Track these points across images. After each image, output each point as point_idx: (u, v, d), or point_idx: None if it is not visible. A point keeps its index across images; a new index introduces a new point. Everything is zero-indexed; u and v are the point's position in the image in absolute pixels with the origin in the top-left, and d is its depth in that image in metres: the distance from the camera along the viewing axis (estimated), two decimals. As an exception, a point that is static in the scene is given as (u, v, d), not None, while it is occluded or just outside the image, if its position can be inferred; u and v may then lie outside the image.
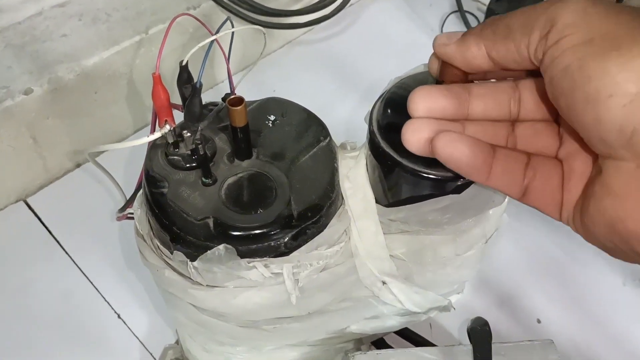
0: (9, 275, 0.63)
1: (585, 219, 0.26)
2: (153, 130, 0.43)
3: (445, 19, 0.91)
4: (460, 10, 0.84)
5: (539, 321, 0.61)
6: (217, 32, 0.35)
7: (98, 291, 0.62)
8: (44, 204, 0.69)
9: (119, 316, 0.60)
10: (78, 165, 0.72)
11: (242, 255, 0.36)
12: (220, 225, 0.36)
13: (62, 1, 0.72)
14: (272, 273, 0.37)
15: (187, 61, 0.35)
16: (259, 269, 0.36)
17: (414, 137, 0.29)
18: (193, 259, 0.37)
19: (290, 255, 0.37)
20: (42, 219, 0.68)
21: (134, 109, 0.74)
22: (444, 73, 0.33)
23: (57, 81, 0.64)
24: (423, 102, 0.29)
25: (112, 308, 0.61)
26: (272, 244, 0.36)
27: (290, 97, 0.86)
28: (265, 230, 0.36)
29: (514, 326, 0.61)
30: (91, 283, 0.63)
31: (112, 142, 0.74)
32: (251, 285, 0.37)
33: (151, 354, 0.58)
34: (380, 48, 0.88)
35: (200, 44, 0.35)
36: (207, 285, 0.38)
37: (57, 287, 0.62)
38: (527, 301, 0.62)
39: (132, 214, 0.47)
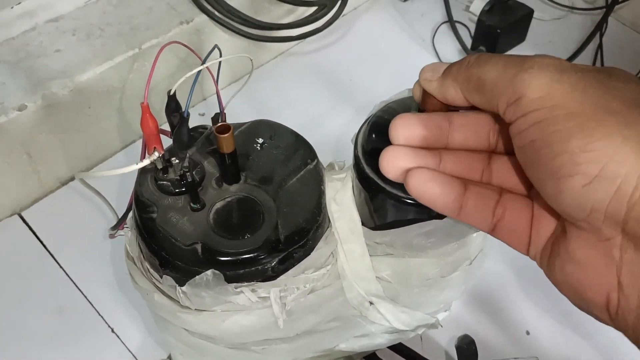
0: (3, 289, 0.63)
1: (551, 274, 0.27)
2: (143, 157, 0.44)
3: (437, 30, 0.92)
4: (451, 21, 0.84)
5: (528, 333, 0.62)
6: (204, 61, 0.36)
7: (92, 305, 0.62)
8: (38, 218, 0.69)
9: (112, 330, 0.61)
10: (72, 179, 0.72)
11: (230, 280, 0.37)
12: (208, 250, 0.37)
13: (55, 16, 0.73)
14: (259, 297, 0.37)
15: (175, 90, 0.35)
16: (246, 294, 0.37)
17: (390, 165, 0.29)
18: (182, 284, 0.37)
19: (278, 279, 0.38)
20: (37, 233, 0.68)
21: (126, 124, 0.74)
22: (425, 102, 0.33)
23: (51, 97, 0.65)
24: (403, 130, 0.30)
25: (106, 322, 0.61)
26: (260, 268, 0.37)
27: (282, 109, 0.86)
28: (252, 255, 0.37)
29: (503, 338, 0.61)
30: (85, 297, 0.63)
31: (105, 157, 0.75)
32: (239, 309, 0.38)
33: (144, 369, 0.58)
34: (372, 59, 0.89)
35: (188, 74, 0.35)
36: (195, 309, 0.38)
37: (51, 301, 0.63)
38: (516, 314, 0.63)
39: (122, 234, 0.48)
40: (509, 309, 0.63)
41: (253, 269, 0.37)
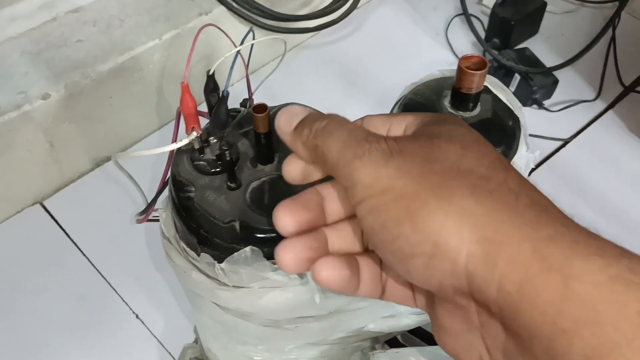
0: (28, 277, 0.64)
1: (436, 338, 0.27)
2: (176, 137, 0.44)
3: (450, 22, 0.93)
4: (465, 14, 0.85)
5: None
6: (242, 43, 0.36)
7: (116, 292, 0.63)
8: (60, 206, 0.70)
9: (137, 316, 0.62)
10: (93, 169, 0.73)
11: (267, 257, 0.38)
12: (246, 228, 0.37)
13: (75, 7, 0.73)
14: (296, 274, 0.38)
15: (214, 71, 0.36)
16: (284, 269, 0.37)
17: (293, 261, 0.28)
18: (219, 261, 0.38)
19: (313, 256, 0.38)
20: (59, 221, 0.69)
21: (146, 114, 0.75)
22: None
23: (74, 86, 0.65)
24: (291, 219, 0.28)
25: (131, 308, 0.62)
26: (297, 245, 0.38)
27: (297, 100, 0.87)
28: (290, 232, 0.37)
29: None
30: (109, 284, 0.64)
31: (125, 146, 0.75)
32: (275, 286, 0.39)
33: (170, 354, 0.59)
34: (385, 51, 0.90)
35: (226, 55, 0.36)
36: (233, 286, 0.39)
37: (75, 288, 0.64)
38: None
39: (155, 217, 0.48)
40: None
41: (290, 246, 0.38)
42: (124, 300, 0.63)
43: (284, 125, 0.28)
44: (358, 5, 0.86)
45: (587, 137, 0.79)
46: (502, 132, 0.37)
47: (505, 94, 0.38)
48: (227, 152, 0.37)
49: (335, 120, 0.26)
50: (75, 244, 0.67)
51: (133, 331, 0.61)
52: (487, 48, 0.84)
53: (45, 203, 0.71)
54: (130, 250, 0.66)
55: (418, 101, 0.39)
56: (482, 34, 0.88)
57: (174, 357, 0.59)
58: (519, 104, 0.39)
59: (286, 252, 0.27)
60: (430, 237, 0.22)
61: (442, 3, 0.97)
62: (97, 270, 0.65)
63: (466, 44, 0.90)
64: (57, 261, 0.66)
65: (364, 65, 0.87)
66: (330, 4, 0.81)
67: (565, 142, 0.78)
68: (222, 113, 0.37)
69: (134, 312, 0.62)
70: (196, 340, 0.58)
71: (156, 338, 0.60)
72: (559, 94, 0.82)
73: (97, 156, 0.73)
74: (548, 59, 0.84)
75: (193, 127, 0.37)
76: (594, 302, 0.19)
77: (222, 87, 0.38)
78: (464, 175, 0.23)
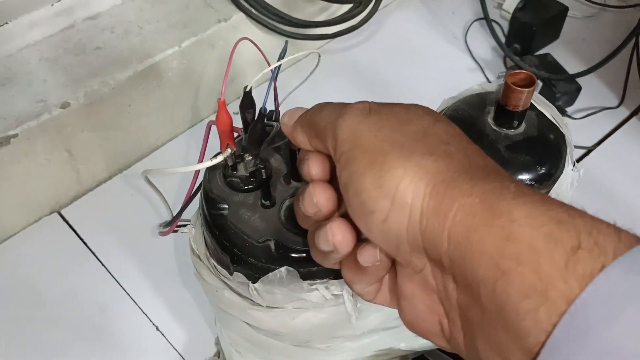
0: (47, 286, 0.63)
1: (400, 315, 0.27)
2: (204, 152, 0.43)
3: (469, 27, 0.92)
4: (486, 18, 0.84)
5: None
6: (282, 57, 0.35)
7: (136, 303, 0.62)
8: (77, 215, 0.69)
9: (157, 328, 0.61)
10: (111, 177, 0.72)
11: (302, 277, 0.37)
12: (282, 247, 0.36)
13: (93, 14, 0.73)
14: (332, 294, 0.37)
15: (251, 87, 0.35)
16: (320, 291, 0.36)
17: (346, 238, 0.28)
18: (253, 280, 0.37)
19: (350, 276, 0.38)
20: (77, 231, 0.68)
21: (165, 121, 0.74)
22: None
23: (93, 94, 0.64)
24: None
25: (150, 320, 0.61)
26: (333, 265, 0.37)
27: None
28: (326, 252, 0.36)
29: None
30: (128, 295, 0.63)
31: (143, 154, 0.74)
32: (310, 307, 0.38)
33: (191, 367, 0.58)
34: (403, 56, 0.89)
35: (265, 71, 0.35)
36: (266, 306, 0.38)
37: (94, 299, 0.63)
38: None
39: (178, 228, 0.47)
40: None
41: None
42: (143, 312, 0.62)
43: (288, 120, 0.31)
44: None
45: (611, 145, 0.78)
46: (548, 150, 0.36)
47: (550, 110, 0.37)
48: (263, 169, 0.36)
49: (328, 102, 0.29)
50: (93, 253, 0.66)
51: (153, 343, 0.60)
52: (508, 53, 0.83)
53: (63, 212, 0.70)
54: (149, 261, 0.65)
55: (459, 117, 0.38)
56: (502, 39, 0.87)
57: (195, 371, 0.58)
58: (564, 121, 0.38)
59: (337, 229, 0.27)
60: (389, 192, 0.23)
61: (460, 7, 0.95)
62: (116, 280, 0.64)
63: (486, 49, 0.89)
64: (76, 271, 0.65)
65: (383, 71, 0.86)
66: (349, 10, 0.80)
67: (589, 150, 0.77)
68: (259, 130, 0.36)
69: (154, 324, 0.61)
70: (218, 354, 0.58)
71: (177, 351, 0.59)
72: (581, 101, 0.81)
73: (115, 164, 0.72)
74: (569, 65, 0.82)
75: (228, 144, 0.36)
76: (532, 242, 0.20)
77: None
78: (429, 137, 0.25)
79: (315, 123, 0.29)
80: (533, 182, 0.36)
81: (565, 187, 0.36)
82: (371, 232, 0.25)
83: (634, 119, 0.80)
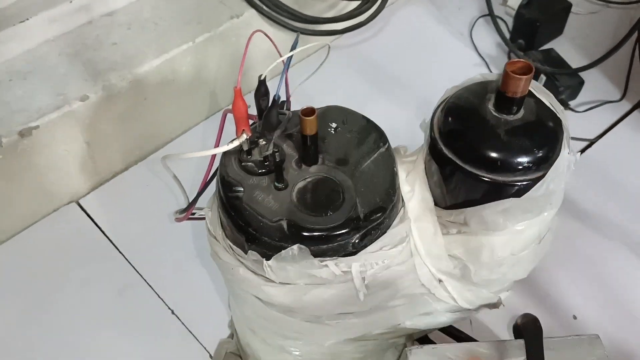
0: (64, 274, 0.66)
1: None
2: (219, 139, 0.46)
3: (474, 23, 0.94)
4: (492, 15, 0.86)
5: (575, 317, 0.64)
6: (294, 48, 0.38)
7: (152, 288, 0.65)
8: (95, 205, 0.72)
9: (172, 312, 0.63)
10: (127, 168, 0.75)
11: (313, 254, 0.39)
12: (294, 226, 0.39)
13: (110, 10, 0.75)
14: (342, 271, 0.39)
15: (266, 75, 0.37)
16: (330, 267, 0.39)
17: None
18: (267, 258, 0.39)
19: (357, 254, 0.40)
20: (95, 219, 0.71)
21: (179, 114, 0.77)
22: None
23: (111, 88, 0.67)
24: None
25: (166, 304, 0.64)
26: (342, 244, 0.39)
27: (325, 101, 0.88)
28: (336, 231, 0.39)
29: (551, 322, 0.63)
30: (144, 280, 0.65)
31: (157, 146, 0.77)
32: (321, 283, 0.40)
33: (205, 349, 0.61)
34: (410, 51, 0.91)
35: (278, 60, 0.37)
36: (279, 283, 0.40)
37: (111, 285, 0.65)
38: (563, 298, 0.64)
39: (193, 215, 0.50)
40: (556, 294, 0.65)
41: (336, 244, 0.39)
42: (159, 296, 0.64)
43: None
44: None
45: (613, 138, 0.80)
46: (545, 135, 0.38)
47: (548, 98, 0.39)
48: (277, 153, 0.39)
49: None
50: (111, 241, 0.69)
51: (169, 326, 0.62)
52: (512, 49, 0.85)
53: (81, 201, 0.72)
54: (164, 248, 0.68)
55: (461, 104, 0.40)
56: (506, 35, 0.89)
57: (209, 352, 0.60)
58: (562, 108, 0.40)
59: None
60: None
61: (466, 4, 0.97)
62: (133, 266, 0.67)
63: (491, 44, 0.91)
64: (94, 258, 0.67)
65: (389, 66, 0.88)
66: (358, 7, 0.82)
67: (591, 142, 0.79)
68: (273, 116, 0.38)
69: (169, 308, 0.64)
70: (232, 336, 0.60)
71: (192, 333, 0.62)
72: (584, 95, 0.83)
73: (131, 156, 0.74)
74: (573, 60, 0.84)
75: (243, 130, 0.39)
76: None
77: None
78: None
79: None
80: (531, 165, 0.38)
81: (562, 170, 0.38)
82: None
83: (635, 112, 0.82)
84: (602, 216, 0.71)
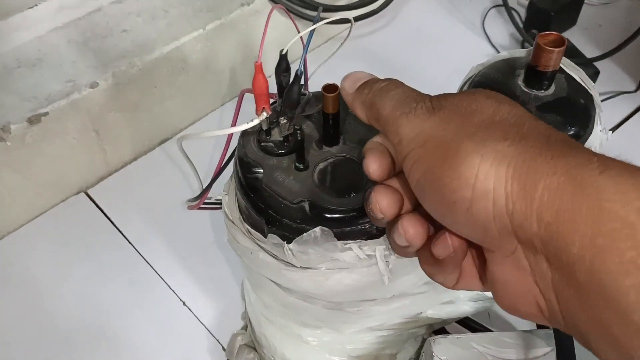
0: (73, 264, 0.65)
1: (496, 300, 0.27)
2: (236, 118, 0.45)
3: (486, 14, 0.92)
4: (505, 5, 0.84)
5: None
6: (316, 22, 0.36)
7: (163, 280, 0.64)
8: (104, 195, 0.71)
9: (184, 304, 0.62)
10: (136, 158, 0.74)
11: (336, 237, 0.38)
12: (316, 208, 0.37)
13: (119, -2, 0.74)
14: (365, 255, 0.38)
15: (287, 50, 0.36)
16: (354, 250, 0.37)
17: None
18: (288, 241, 0.38)
19: (382, 237, 0.38)
20: (104, 210, 0.70)
21: (189, 103, 0.75)
22: None
23: (121, 75, 0.66)
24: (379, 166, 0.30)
25: (178, 296, 0.62)
26: (366, 226, 0.38)
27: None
28: (359, 213, 0.37)
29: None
30: (156, 272, 0.64)
31: (167, 136, 0.76)
32: (343, 267, 0.39)
33: (218, 341, 0.59)
34: (421, 42, 0.90)
35: (301, 34, 0.36)
36: (300, 267, 0.39)
37: (122, 276, 0.64)
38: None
39: (207, 202, 0.49)
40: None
41: (359, 227, 0.38)
42: (170, 288, 0.63)
43: (349, 87, 0.31)
44: (395, -4, 0.86)
45: (628, 129, 0.78)
46: (577, 111, 0.37)
47: (578, 73, 0.38)
48: (299, 132, 0.37)
49: (393, 82, 0.29)
50: (120, 231, 0.68)
51: (181, 318, 0.61)
52: (526, 38, 0.84)
53: (90, 192, 0.71)
54: (175, 238, 0.66)
55: (488, 82, 0.39)
56: (519, 25, 0.88)
57: (222, 345, 0.59)
58: (592, 84, 0.38)
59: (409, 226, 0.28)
60: (468, 181, 0.23)
61: (477, -6, 0.96)
62: (143, 257, 0.66)
63: (503, 34, 0.90)
64: (104, 249, 0.66)
65: (400, 57, 0.87)
66: (370, -5, 0.81)
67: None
68: (295, 93, 0.37)
69: (181, 300, 0.62)
70: (245, 327, 0.59)
71: (204, 325, 0.61)
72: (599, 85, 0.80)
73: (141, 145, 0.73)
74: (586, 51, 0.83)
75: (263, 108, 0.37)
76: (626, 218, 0.19)
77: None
78: (498, 124, 0.24)
79: (376, 108, 0.28)
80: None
81: (594, 148, 0.37)
82: (456, 222, 0.25)
83: (652, 103, 0.81)
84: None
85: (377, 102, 0.28)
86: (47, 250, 0.66)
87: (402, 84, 0.29)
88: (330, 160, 0.40)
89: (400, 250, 0.29)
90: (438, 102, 0.27)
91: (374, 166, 0.29)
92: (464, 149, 0.24)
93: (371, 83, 0.30)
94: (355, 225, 0.38)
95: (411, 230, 0.27)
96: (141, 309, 0.62)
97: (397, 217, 0.28)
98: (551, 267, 0.22)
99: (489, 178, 0.23)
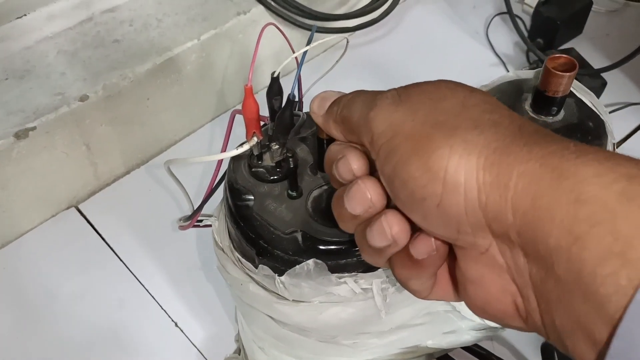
0: (63, 281, 0.63)
1: (465, 302, 0.26)
2: (227, 142, 0.42)
3: (490, 21, 0.90)
4: (510, 13, 0.82)
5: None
6: (309, 43, 0.34)
7: (154, 299, 0.61)
8: (95, 210, 0.69)
9: (176, 324, 0.60)
10: (128, 172, 0.72)
11: (330, 270, 0.36)
12: (310, 239, 0.35)
13: (111, 6, 0.72)
14: (361, 289, 0.36)
15: (279, 73, 0.34)
16: (349, 284, 0.35)
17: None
18: (279, 273, 0.36)
19: (378, 270, 0.36)
20: (95, 225, 0.67)
21: (183, 115, 0.73)
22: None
23: (112, 88, 0.64)
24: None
25: (169, 316, 0.60)
26: (362, 259, 0.36)
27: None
28: (355, 244, 0.35)
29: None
30: (147, 290, 0.62)
31: (161, 149, 0.74)
32: (338, 301, 0.37)
33: (210, 364, 0.57)
34: (424, 51, 0.87)
35: (293, 55, 0.34)
36: (292, 300, 0.37)
37: (112, 294, 0.62)
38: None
39: (199, 223, 0.47)
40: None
41: (355, 259, 0.36)
42: (162, 308, 0.61)
43: (317, 109, 0.30)
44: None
45: (637, 141, 0.76)
46: (588, 138, 0.35)
47: (590, 98, 0.36)
48: (291, 159, 0.35)
49: (358, 91, 0.29)
50: (111, 248, 0.66)
51: (172, 340, 0.59)
52: (531, 48, 0.81)
53: (81, 207, 0.69)
54: (167, 256, 0.64)
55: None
56: (524, 34, 0.85)
57: (214, 368, 0.57)
58: (605, 109, 0.36)
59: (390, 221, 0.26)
60: (438, 175, 0.22)
61: (480, 2, 0.94)
62: (134, 275, 0.63)
63: (508, 43, 0.87)
64: (94, 266, 0.64)
65: (402, 66, 0.85)
66: (370, 3, 0.79)
67: (615, 145, 0.75)
68: (287, 118, 0.35)
69: (173, 320, 0.60)
70: (238, 351, 0.56)
71: (196, 347, 0.58)
72: (606, 97, 0.79)
73: (133, 159, 0.71)
74: (593, 60, 0.80)
75: (254, 133, 0.35)
76: (604, 202, 0.19)
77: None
78: (469, 109, 0.23)
79: (347, 119, 0.28)
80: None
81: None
82: (427, 220, 0.23)
83: (661, 115, 0.78)
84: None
85: (347, 114, 0.28)
86: (35, 267, 0.64)
87: (368, 90, 0.28)
88: (325, 188, 0.38)
89: (374, 256, 0.27)
90: (405, 91, 0.26)
91: (357, 164, 0.28)
92: (432, 140, 0.23)
93: (339, 100, 0.29)
94: (351, 257, 0.36)
95: (396, 226, 0.25)
96: (131, 329, 0.60)
97: (374, 216, 0.26)
98: (529, 261, 0.21)
99: (459, 170, 0.22)
